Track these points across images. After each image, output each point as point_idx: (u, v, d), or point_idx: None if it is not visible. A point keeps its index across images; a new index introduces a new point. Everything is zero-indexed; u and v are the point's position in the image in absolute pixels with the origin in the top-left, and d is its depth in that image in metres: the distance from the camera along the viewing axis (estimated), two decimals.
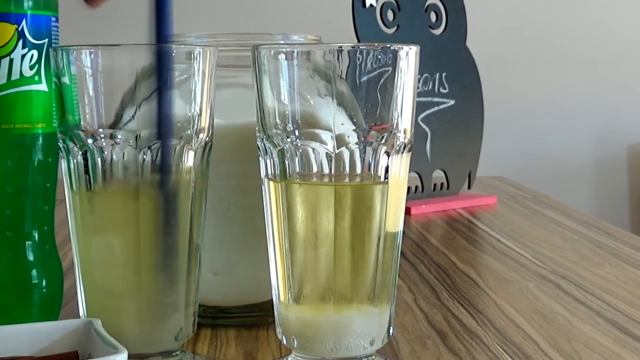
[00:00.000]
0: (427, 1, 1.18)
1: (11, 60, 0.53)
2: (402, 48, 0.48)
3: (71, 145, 0.50)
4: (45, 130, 0.54)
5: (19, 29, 0.53)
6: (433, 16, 1.18)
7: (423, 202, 1.14)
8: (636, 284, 0.75)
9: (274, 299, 0.51)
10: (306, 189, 0.49)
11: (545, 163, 2.18)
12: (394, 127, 0.48)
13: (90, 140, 0.49)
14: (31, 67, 0.53)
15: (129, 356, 0.43)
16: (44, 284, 0.55)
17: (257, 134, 0.50)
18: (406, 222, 1.04)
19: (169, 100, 0.49)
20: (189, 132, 0.50)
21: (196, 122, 0.50)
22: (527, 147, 2.18)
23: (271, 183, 0.50)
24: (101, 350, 0.44)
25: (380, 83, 0.48)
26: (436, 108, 1.18)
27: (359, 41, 1.08)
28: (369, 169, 0.48)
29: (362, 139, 0.48)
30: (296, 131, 0.48)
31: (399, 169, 0.49)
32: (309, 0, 2.08)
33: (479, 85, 1.23)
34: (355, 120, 0.48)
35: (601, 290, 0.72)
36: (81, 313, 0.52)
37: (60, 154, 0.51)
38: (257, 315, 0.60)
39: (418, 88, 1.15)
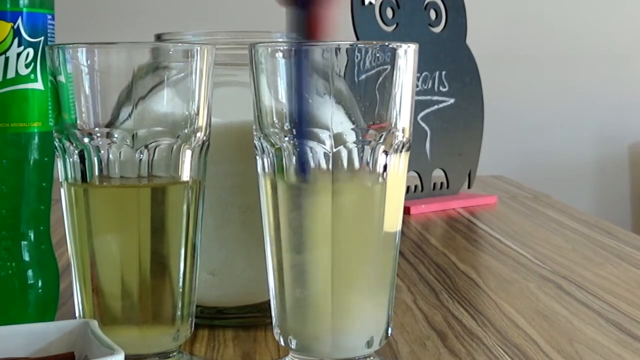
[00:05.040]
0: None
1: (7, 59, 0.52)
2: (400, 46, 0.48)
3: (67, 144, 0.50)
4: (41, 129, 0.54)
5: (15, 26, 0.52)
6: (433, 14, 1.18)
7: (423, 202, 1.13)
8: (638, 284, 0.74)
9: (272, 299, 0.51)
10: (303, 190, 0.48)
11: (546, 162, 2.18)
12: (393, 125, 0.48)
13: (86, 140, 0.49)
14: (27, 66, 0.53)
15: (126, 357, 0.43)
16: (39, 284, 0.55)
17: (255, 133, 0.50)
18: (406, 222, 1.04)
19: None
20: (186, 131, 0.50)
21: (194, 120, 0.50)
22: (527, 146, 2.18)
23: (267, 183, 0.49)
24: (98, 351, 0.44)
25: (378, 81, 0.47)
26: (436, 107, 1.17)
27: (357, 39, 1.07)
28: (367, 168, 0.48)
29: (361, 137, 0.48)
30: (294, 130, 0.48)
31: (397, 168, 0.49)
32: None
33: (479, 83, 1.22)
34: (353, 119, 0.48)
35: (602, 291, 0.71)
36: (77, 314, 0.51)
37: (56, 153, 0.51)
38: (255, 316, 0.60)
39: (418, 87, 1.14)
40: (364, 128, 0.48)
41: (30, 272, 0.55)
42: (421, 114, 1.15)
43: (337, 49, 0.46)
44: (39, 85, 0.53)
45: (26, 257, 0.55)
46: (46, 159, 0.55)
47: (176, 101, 0.50)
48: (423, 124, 1.15)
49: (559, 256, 0.85)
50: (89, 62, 0.48)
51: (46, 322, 0.51)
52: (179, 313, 0.51)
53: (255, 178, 0.51)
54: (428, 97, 1.16)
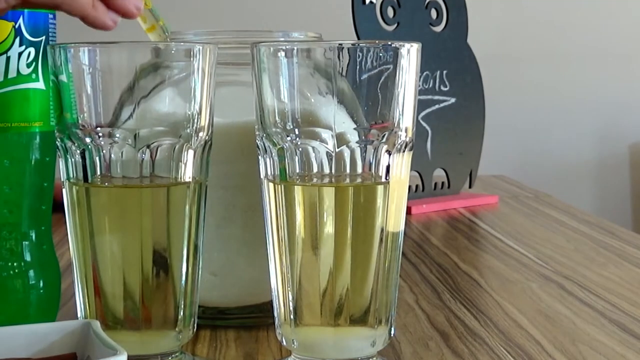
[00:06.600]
0: None
1: (8, 58, 0.52)
2: (403, 45, 0.47)
3: (69, 144, 0.49)
4: (43, 129, 0.54)
5: (16, 26, 0.52)
6: (434, 13, 1.18)
7: (424, 202, 1.13)
8: None
9: (274, 300, 0.50)
10: (306, 190, 0.48)
11: (547, 161, 2.18)
12: (395, 125, 0.48)
13: (88, 139, 0.49)
14: (28, 65, 0.53)
15: (128, 358, 0.43)
16: (41, 284, 0.55)
17: (257, 133, 0.50)
18: (407, 222, 1.03)
19: None
20: (188, 130, 0.50)
21: (196, 120, 0.50)
22: (528, 145, 2.18)
23: (270, 183, 0.49)
24: (100, 352, 0.44)
25: (381, 81, 0.47)
26: (437, 106, 1.17)
27: (358, 38, 1.07)
28: (370, 168, 0.48)
29: (363, 137, 0.47)
30: (296, 130, 0.47)
31: (400, 168, 0.49)
32: None
33: (480, 83, 1.22)
34: (356, 118, 0.47)
35: (605, 291, 0.71)
36: (79, 314, 0.51)
37: (58, 152, 0.51)
38: (256, 316, 0.60)
39: (418, 86, 1.14)
40: (367, 128, 0.47)
41: (31, 272, 0.54)
42: (422, 114, 1.15)
43: (340, 49, 0.46)
44: (40, 84, 0.53)
45: (28, 258, 0.54)
46: (47, 158, 0.54)
47: (178, 101, 0.50)
48: (424, 124, 1.15)
49: (561, 256, 0.84)
50: (90, 61, 0.48)
51: (48, 323, 0.51)
52: (181, 313, 0.51)
53: (257, 178, 0.51)
54: (429, 97, 1.16)
